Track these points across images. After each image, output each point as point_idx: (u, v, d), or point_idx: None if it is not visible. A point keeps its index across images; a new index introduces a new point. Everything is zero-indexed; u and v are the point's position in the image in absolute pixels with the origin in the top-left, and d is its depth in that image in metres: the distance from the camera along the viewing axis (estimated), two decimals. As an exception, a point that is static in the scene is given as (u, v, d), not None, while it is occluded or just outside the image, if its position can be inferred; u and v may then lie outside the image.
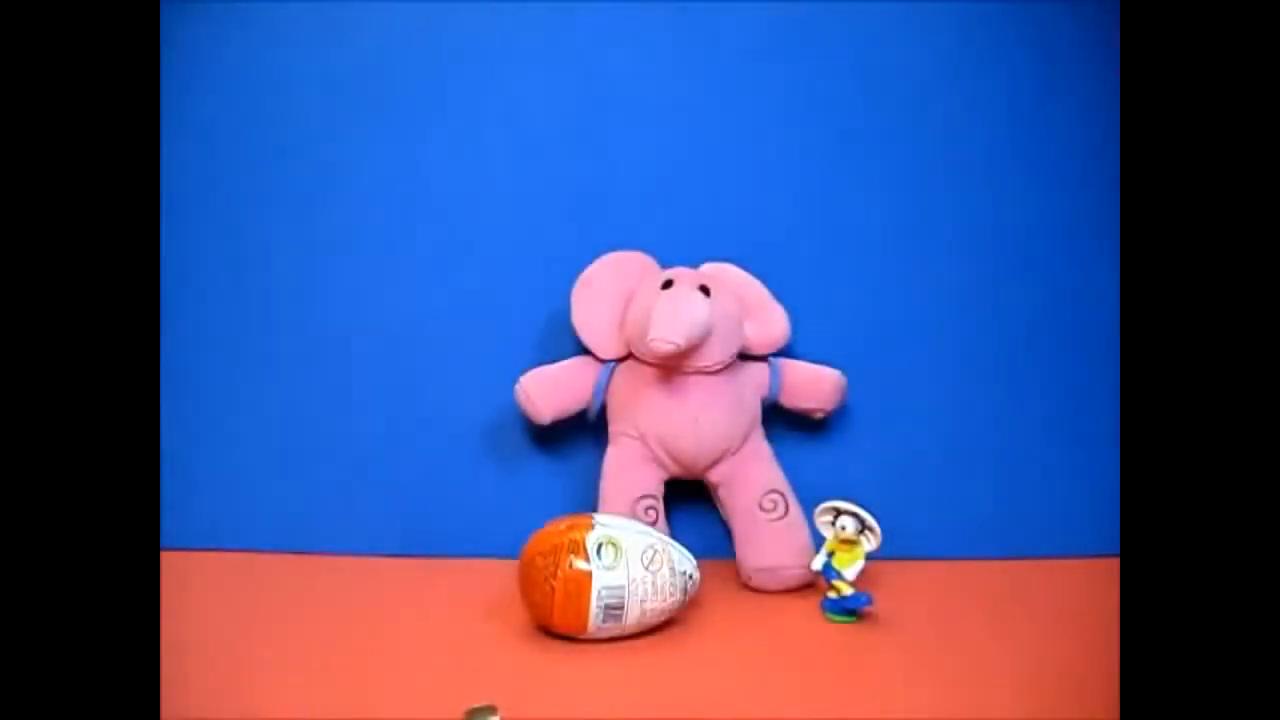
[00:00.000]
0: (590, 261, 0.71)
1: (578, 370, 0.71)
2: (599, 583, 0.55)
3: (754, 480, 0.68)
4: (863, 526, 0.61)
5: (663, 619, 0.57)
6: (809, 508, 0.65)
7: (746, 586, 0.67)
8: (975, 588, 0.66)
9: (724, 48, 0.75)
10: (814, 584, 0.65)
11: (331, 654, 0.54)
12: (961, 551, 0.73)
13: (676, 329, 0.63)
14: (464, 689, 0.48)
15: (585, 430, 0.72)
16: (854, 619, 0.60)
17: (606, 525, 0.57)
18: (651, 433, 0.68)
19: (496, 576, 0.66)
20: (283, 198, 0.74)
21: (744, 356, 0.70)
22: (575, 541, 0.56)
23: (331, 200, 0.74)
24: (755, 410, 0.70)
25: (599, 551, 0.55)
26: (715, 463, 0.69)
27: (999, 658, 0.54)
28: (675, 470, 0.69)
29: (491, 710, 0.44)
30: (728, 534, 0.69)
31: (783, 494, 0.68)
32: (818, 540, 0.64)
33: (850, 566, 0.61)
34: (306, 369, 0.73)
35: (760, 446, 0.70)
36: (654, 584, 0.56)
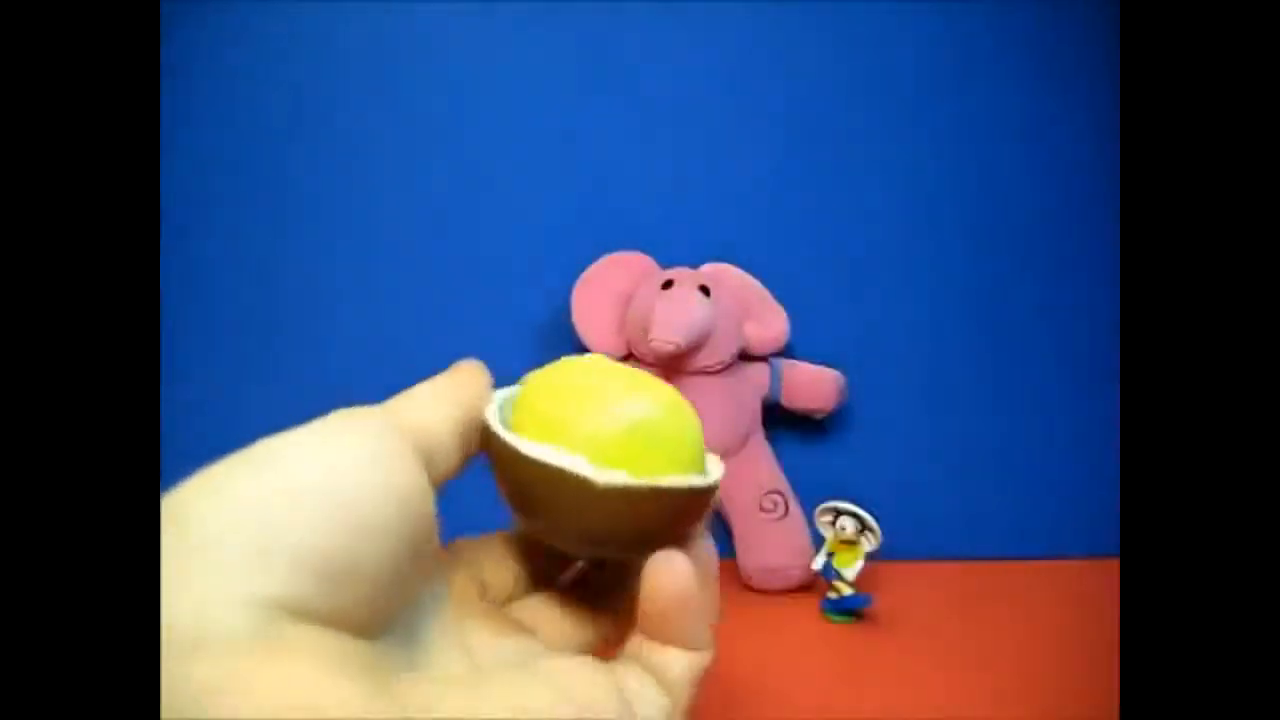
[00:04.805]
0: (590, 261, 0.71)
1: (578, 370, 0.71)
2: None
3: (754, 480, 0.68)
4: (863, 527, 0.61)
5: None
6: (809, 508, 0.65)
7: (747, 587, 0.67)
8: (975, 588, 0.66)
9: (725, 47, 0.75)
10: (814, 584, 0.65)
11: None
12: (961, 551, 0.73)
13: (676, 329, 0.63)
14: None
15: (585, 430, 0.72)
16: (854, 619, 0.60)
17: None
18: (652, 433, 0.68)
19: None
20: (280, 199, 0.74)
21: (744, 356, 0.70)
22: None
23: (330, 202, 0.74)
24: (755, 410, 0.70)
25: None
26: (716, 463, 0.69)
27: (999, 658, 0.54)
28: (675, 470, 0.69)
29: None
30: (728, 534, 0.69)
31: (783, 494, 0.68)
32: (817, 540, 0.64)
33: (850, 567, 0.61)
34: (307, 371, 0.73)
35: (760, 447, 0.70)
36: None
